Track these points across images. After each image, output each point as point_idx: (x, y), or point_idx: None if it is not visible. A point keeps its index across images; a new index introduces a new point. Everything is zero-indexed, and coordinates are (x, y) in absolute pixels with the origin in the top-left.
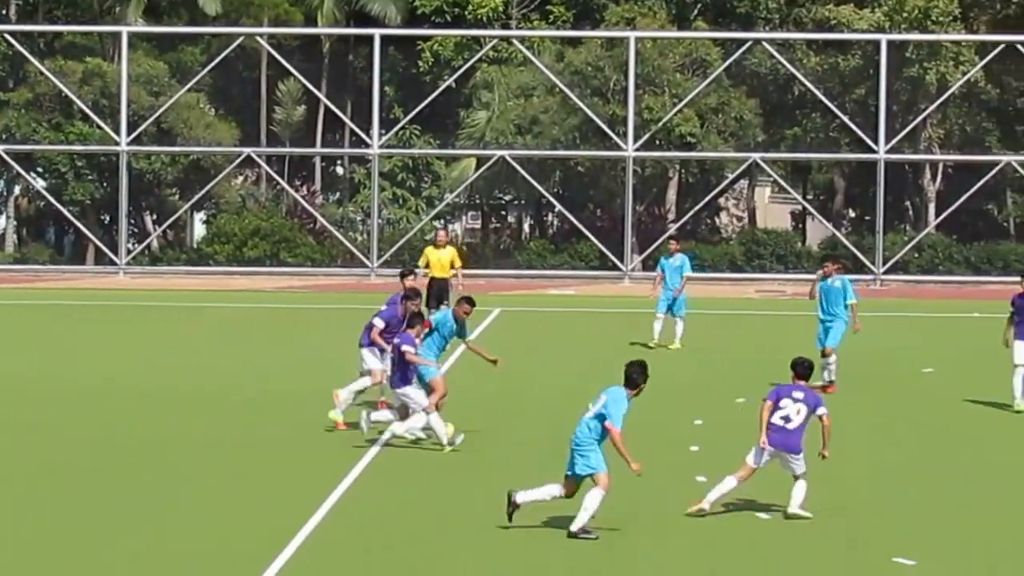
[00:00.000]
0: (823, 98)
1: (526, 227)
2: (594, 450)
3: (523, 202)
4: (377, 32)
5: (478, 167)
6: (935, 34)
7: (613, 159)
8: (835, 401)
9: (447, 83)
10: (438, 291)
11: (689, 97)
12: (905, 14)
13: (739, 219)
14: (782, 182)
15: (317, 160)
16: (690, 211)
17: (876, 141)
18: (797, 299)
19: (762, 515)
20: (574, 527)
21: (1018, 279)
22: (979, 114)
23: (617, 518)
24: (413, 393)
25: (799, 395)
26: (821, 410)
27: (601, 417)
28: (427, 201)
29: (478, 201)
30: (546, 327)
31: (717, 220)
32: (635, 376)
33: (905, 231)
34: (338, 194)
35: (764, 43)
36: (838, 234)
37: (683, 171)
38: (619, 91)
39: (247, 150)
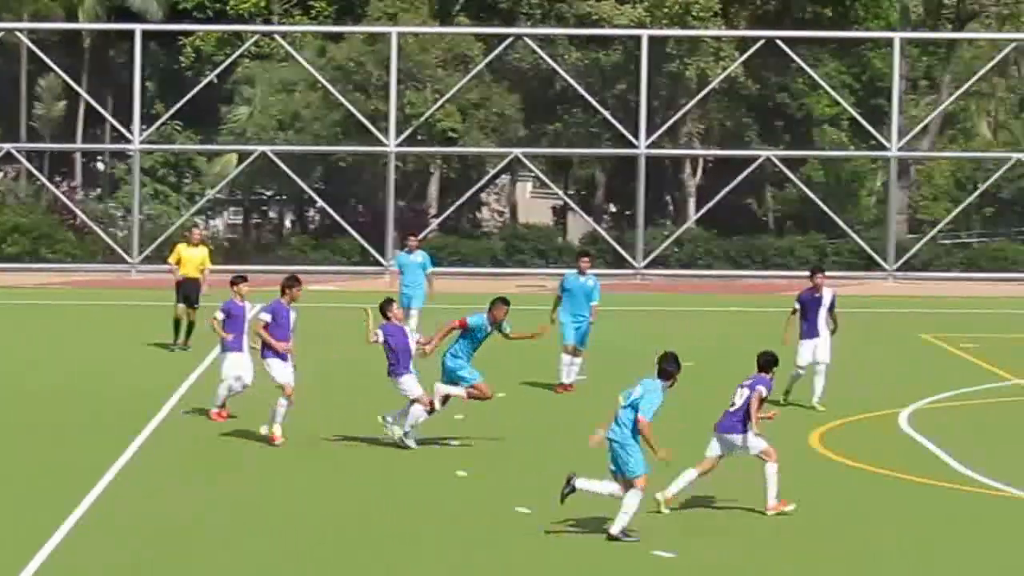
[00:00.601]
0: (584, 93)
1: (287, 222)
2: (636, 449)
3: (285, 197)
4: (138, 27)
5: (239, 162)
6: (695, 30)
7: (375, 154)
8: (581, 399)
9: (208, 79)
10: (186, 291)
11: (451, 92)
12: (666, 9)
13: (500, 214)
14: (543, 177)
15: (78, 156)
16: (452, 206)
17: (637, 136)
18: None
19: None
20: (615, 530)
21: (807, 275)
22: (739, 109)
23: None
24: (408, 382)
25: (748, 381)
26: (758, 388)
27: (635, 406)
28: (188, 197)
29: (239, 197)
30: (305, 323)
31: (479, 215)
32: (669, 368)
33: (665, 225)
34: (99, 190)
35: (526, 38)
36: (599, 229)
37: (445, 166)
38: (381, 86)
39: (7, 146)
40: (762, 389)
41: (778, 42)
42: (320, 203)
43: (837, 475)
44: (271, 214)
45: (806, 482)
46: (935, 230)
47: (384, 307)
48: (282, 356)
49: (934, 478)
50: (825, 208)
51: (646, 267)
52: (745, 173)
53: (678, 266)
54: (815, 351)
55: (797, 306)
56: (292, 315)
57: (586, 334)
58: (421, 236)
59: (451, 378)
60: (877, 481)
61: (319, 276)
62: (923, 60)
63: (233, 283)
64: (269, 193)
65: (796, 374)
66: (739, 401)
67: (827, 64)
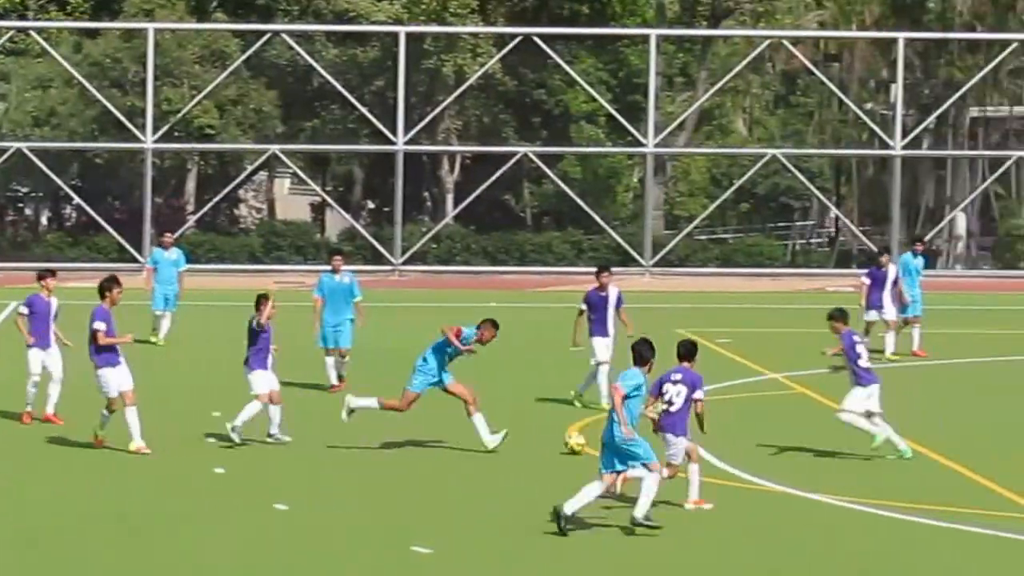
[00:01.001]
0: (342, 90)
1: (44, 219)
2: (639, 440)
3: (41, 194)
4: None
5: None
6: (453, 26)
7: (132, 151)
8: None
9: None
10: None
11: (208, 89)
12: (423, 6)
13: (258, 211)
14: (301, 174)
15: None
16: (209, 203)
17: (395, 132)
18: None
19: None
20: (639, 514)
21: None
22: (496, 105)
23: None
24: (252, 377)
25: (678, 376)
26: (698, 393)
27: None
28: None
29: None
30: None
31: (236, 212)
32: (644, 353)
33: (424, 222)
34: None
35: (283, 35)
36: (357, 225)
37: (202, 163)
38: (138, 83)
39: None
40: (702, 395)
41: (535, 39)
42: (77, 200)
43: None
44: (27, 211)
45: (563, 479)
46: (691, 226)
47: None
48: (115, 362)
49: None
50: (582, 204)
51: (404, 263)
52: (503, 169)
53: (436, 262)
54: (608, 351)
55: (584, 307)
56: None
57: (350, 334)
58: (178, 233)
59: (416, 376)
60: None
61: (76, 273)
62: (679, 57)
63: (40, 277)
64: (25, 190)
65: (593, 374)
66: (677, 400)
67: (584, 61)
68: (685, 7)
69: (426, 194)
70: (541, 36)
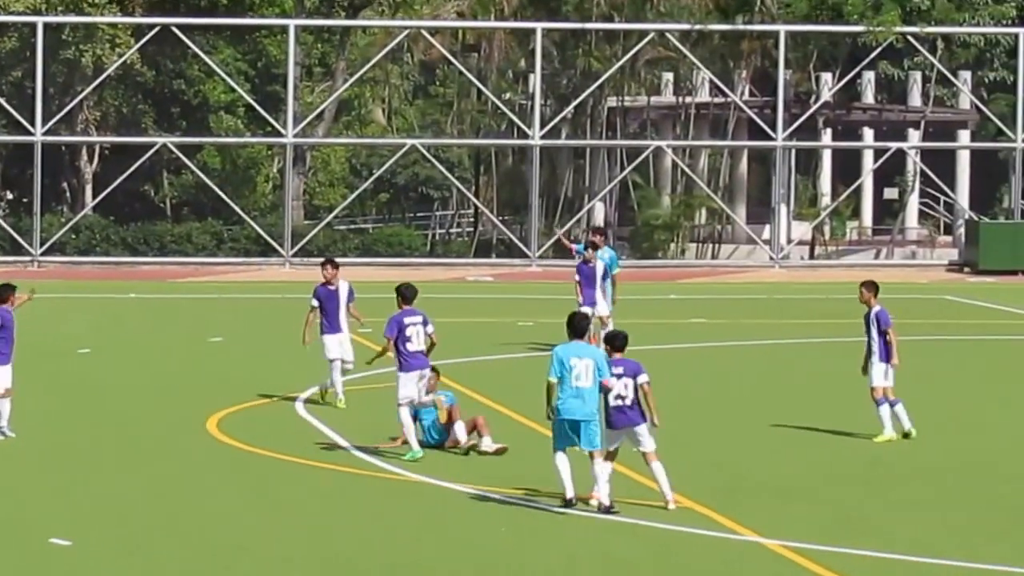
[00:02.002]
0: None
1: None
2: (598, 424)
3: None
4: None
5: None
6: (91, 16)
7: None
8: None
9: None
10: None
11: None
12: None
13: None
14: None
15: None
16: None
17: (33, 123)
18: None
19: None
20: (608, 501)
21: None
22: (135, 96)
23: None
24: None
25: (619, 370)
26: (642, 377)
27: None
28: None
29: None
30: None
31: None
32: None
33: (63, 212)
34: None
35: None
36: None
37: None
38: None
39: None
40: (647, 379)
41: (173, 29)
42: None
43: (235, 459)
44: None
45: (207, 467)
46: (331, 216)
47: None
48: None
49: (327, 462)
50: (222, 195)
51: (43, 254)
52: (142, 160)
53: (75, 253)
54: (341, 348)
55: (315, 303)
56: None
57: None
58: None
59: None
60: (275, 465)
61: None
62: (318, 47)
63: None
64: None
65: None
66: (627, 392)
67: (223, 51)
68: None
69: (65, 185)
70: (179, 26)
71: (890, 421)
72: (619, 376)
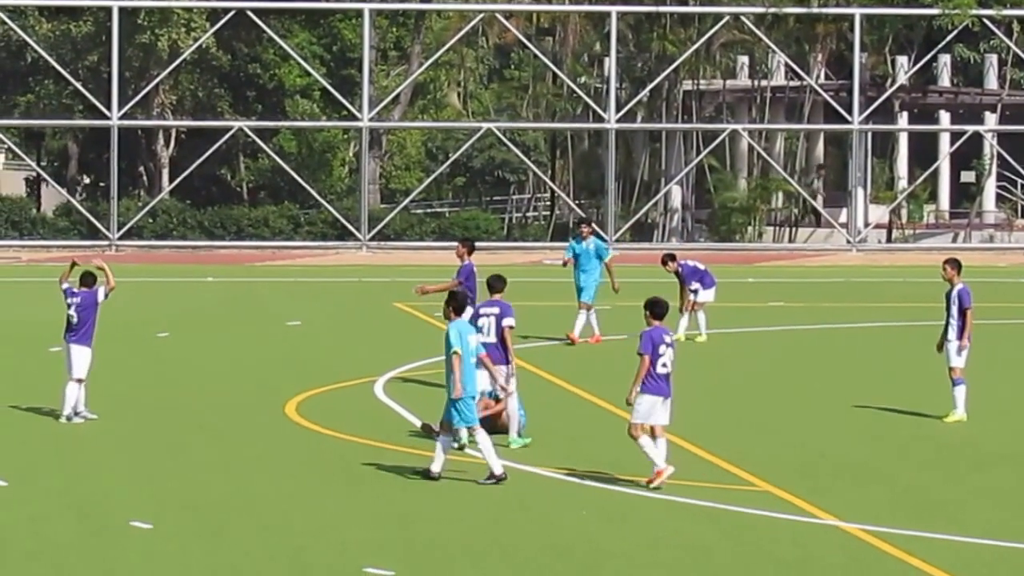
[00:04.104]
0: (56, 65)
1: None
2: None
3: None
4: None
5: None
6: (166, 1)
7: None
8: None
9: None
10: None
11: None
12: None
13: None
14: (16, 149)
15: None
16: None
17: (109, 107)
18: (32, 264)
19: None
20: (499, 470)
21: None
22: (211, 80)
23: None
24: None
25: (669, 338)
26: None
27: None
28: None
29: None
30: None
31: None
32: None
33: (139, 196)
34: None
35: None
36: (73, 200)
37: None
38: None
39: None
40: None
41: (248, 13)
42: None
43: (313, 443)
44: None
45: (285, 450)
46: (407, 200)
47: None
48: None
49: (407, 446)
50: (298, 178)
51: (120, 238)
52: (218, 144)
53: (152, 237)
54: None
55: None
56: None
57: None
58: None
59: None
60: (354, 448)
61: None
62: (393, 31)
63: None
64: None
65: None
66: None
67: (298, 35)
68: None
69: (141, 169)
70: (254, 10)
71: (963, 402)
72: (668, 345)
